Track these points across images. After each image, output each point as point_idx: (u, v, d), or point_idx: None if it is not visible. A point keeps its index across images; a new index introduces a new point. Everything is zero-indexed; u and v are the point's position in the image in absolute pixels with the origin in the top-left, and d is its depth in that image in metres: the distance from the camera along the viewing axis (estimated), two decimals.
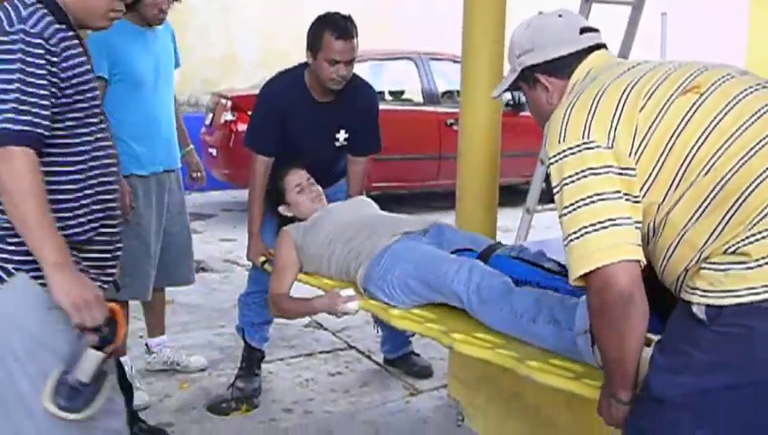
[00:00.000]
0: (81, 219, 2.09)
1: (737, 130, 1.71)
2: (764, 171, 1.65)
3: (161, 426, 3.55)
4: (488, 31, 3.59)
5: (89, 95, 2.10)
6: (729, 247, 1.65)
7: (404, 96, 8.70)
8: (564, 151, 1.82)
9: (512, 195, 7.40)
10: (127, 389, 3.47)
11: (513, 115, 8.28)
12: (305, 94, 3.65)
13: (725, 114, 1.74)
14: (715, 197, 1.69)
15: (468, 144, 3.70)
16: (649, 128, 1.78)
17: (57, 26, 2.02)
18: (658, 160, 1.77)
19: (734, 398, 1.67)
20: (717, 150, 1.71)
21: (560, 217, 1.84)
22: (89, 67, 2.13)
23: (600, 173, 1.77)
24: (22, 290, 2.02)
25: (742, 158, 1.68)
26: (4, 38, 1.93)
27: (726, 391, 1.67)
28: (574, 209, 1.78)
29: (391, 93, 8.69)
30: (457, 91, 9.06)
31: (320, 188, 3.59)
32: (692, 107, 1.77)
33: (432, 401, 3.87)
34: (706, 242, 1.69)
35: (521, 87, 2.19)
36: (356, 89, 3.70)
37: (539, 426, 3.17)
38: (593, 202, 1.76)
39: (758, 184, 1.65)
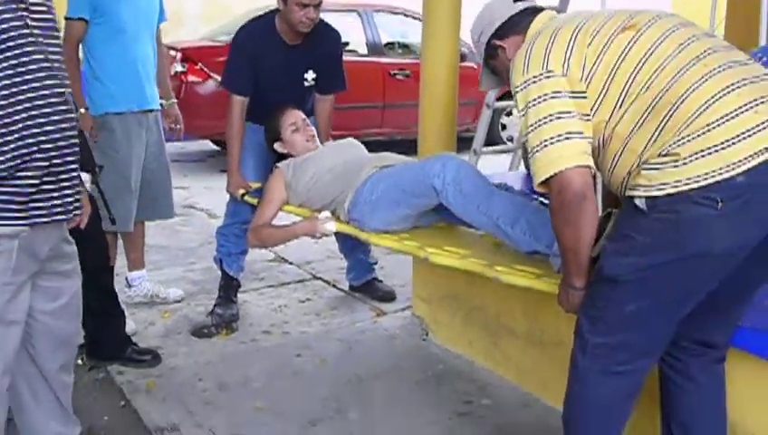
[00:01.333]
0: (6, 149, 2.23)
1: (669, 57, 2.09)
2: (690, 87, 2.03)
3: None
4: None
5: None
6: (663, 150, 2.03)
7: (349, 47, 8.98)
8: (527, 80, 2.22)
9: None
10: (120, 315, 3.79)
11: None
12: (276, 38, 3.94)
13: (658, 45, 2.12)
14: (651, 110, 2.07)
15: (430, 92, 3.96)
16: (596, 59, 2.16)
17: None
18: (604, 85, 2.15)
19: (669, 271, 2.07)
20: (653, 73, 2.09)
21: (526, 134, 2.24)
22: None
23: (556, 97, 2.17)
24: None
25: (673, 77, 2.06)
26: None
27: (662, 266, 2.07)
28: (537, 127, 2.18)
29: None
30: (398, 43, 9.42)
31: (314, 129, 3.91)
32: (630, 41, 2.15)
33: (398, 321, 4.24)
34: (645, 147, 2.08)
35: (492, 65, 2.59)
36: (322, 33, 4.02)
37: (499, 334, 3.56)
38: (552, 120, 2.16)
39: (685, 98, 2.02)
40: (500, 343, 3.55)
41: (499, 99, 5.71)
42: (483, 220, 2.93)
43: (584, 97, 2.17)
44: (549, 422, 3.12)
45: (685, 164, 1.99)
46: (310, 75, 4.06)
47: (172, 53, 8.34)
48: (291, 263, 5.24)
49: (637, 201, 2.08)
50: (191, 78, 7.96)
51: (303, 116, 3.91)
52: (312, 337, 4.06)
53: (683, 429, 2.41)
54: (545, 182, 2.18)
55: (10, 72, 2.23)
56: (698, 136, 1.98)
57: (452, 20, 3.86)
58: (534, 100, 2.19)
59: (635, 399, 2.30)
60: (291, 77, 4.02)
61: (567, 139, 2.14)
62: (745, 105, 1.98)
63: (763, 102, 1.98)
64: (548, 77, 2.19)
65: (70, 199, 2.43)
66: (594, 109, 2.17)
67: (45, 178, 2.32)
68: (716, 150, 1.96)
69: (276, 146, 3.88)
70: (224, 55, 4.11)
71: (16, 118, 2.24)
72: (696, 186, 1.97)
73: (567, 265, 2.29)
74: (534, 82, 2.20)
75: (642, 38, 2.15)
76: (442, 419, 3.24)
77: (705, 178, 1.96)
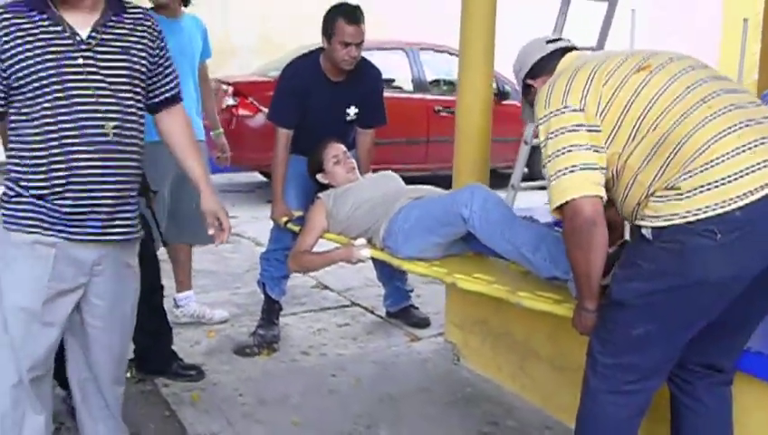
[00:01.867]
0: (42, 170, 2.50)
1: (677, 97, 2.28)
2: (694, 127, 2.21)
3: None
4: (482, 23, 4.09)
5: (33, 78, 2.46)
6: (668, 184, 2.22)
7: (395, 84, 9.25)
8: (549, 114, 2.43)
9: (494, 178, 7.93)
10: (168, 333, 4.03)
11: (496, 104, 8.81)
12: (321, 76, 4.21)
13: (668, 86, 2.31)
14: (659, 147, 2.26)
15: (465, 124, 4.17)
16: (611, 96, 2.36)
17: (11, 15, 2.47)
18: (618, 120, 2.35)
19: (672, 297, 2.24)
20: (662, 112, 2.28)
21: (544, 165, 2.44)
22: (52, 46, 2.48)
23: (574, 130, 2.37)
24: None
25: (679, 118, 2.25)
26: None
27: (665, 293, 2.24)
28: (555, 157, 2.38)
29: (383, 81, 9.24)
30: (443, 80, 9.67)
31: (354, 162, 4.15)
32: (643, 81, 2.35)
33: (431, 346, 4.42)
34: (652, 180, 2.27)
35: (529, 101, 2.80)
36: (363, 70, 4.29)
37: (526, 359, 3.72)
38: (569, 152, 2.36)
39: (689, 137, 2.21)
40: (526, 366, 3.71)
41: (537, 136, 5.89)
42: (507, 247, 3.11)
43: (599, 131, 2.36)
44: None
45: (688, 198, 2.17)
46: (352, 110, 4.31)
47: (224, 87, 8.70)
48: (331, 290, 5.46)
49: (644, 231, 2.26)
50: (241, 111, 8.29)
51: (345, 149, 4.15)
52: (348, 359, 4.25)
53: None
54: (560, 208, 2.38)
55: (56, 101, 2.49)
56: (700, 172, 2.16)
57: (486, 56, 4.08)
58: (553, 132, 2.40)
59: (642, 417, 2.46)
60: (334, 112, 4.27)
61: (581, 170, 2.33)
62: (744, 146, 2.15)
63: (761, 144, 2.16)
64: (566, 111, 2.39)
65: (106, 226, 2.62)
66: (608, 142, 2.36)
67: (80, 202, 2.55)
68: (716, 186, 2.14)
69: (318, 177, 4.12)
70: (273, 90, 4.37)
71: (56, 143, 2.50)
72: (695, 218, 2.14)
73: (579, 289, 2.47)
74: (554, 115, 2.41)
75: (654, 79, 2.34)
76: None
77: (705, 212, 2.13)
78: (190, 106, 4.42)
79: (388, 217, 3.55)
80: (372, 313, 4.99)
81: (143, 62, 2.68)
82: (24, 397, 2.65)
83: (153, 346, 3.94)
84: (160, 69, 2.78)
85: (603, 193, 2.35)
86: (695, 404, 2.54)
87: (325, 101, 4.22)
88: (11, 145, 2.57)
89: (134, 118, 2.65)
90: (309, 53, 4.34)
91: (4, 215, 2.56)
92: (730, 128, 2.19)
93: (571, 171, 2.34)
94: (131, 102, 2.64)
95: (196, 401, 3.71)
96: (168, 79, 2.83)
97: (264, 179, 9.49)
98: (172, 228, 4.39)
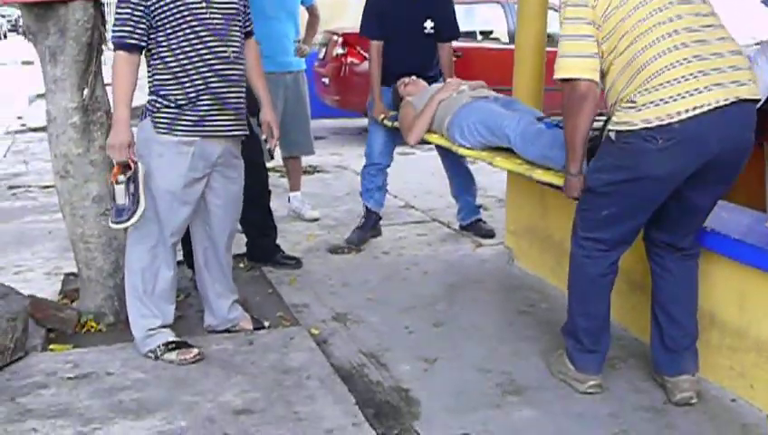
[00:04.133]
0: (184, 87, 3.41)
1: (652, 27, 2.88)
2: (654, 57, 2.86)
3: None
4: None
5: (174, 18, 3.36)
6: (629, 97, 2.92)
7: (492, 36, 9.92)
8: (568, 3, 3.04)
9: None
10: (274, 229, 4.96)
11: None
12: None
13: (654, 15, 2.88)
14: (629, 65, 2.93)
15: (522, 54, 4.97)
16: (616, 6, 2.93)
17: None
18: (612, 29, 2.94)
19: (627, 187, 2.98)
20: (636, 37, 2.90)
21: (560, 41, 3.05)
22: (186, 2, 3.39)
23: (582, 21, 2.98)
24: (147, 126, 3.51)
25: (646, 46, 2.89)
26: None
27: (622, 183, 2.99)
28: (566, 40, 3.02)
29: (482, 33, 9.96)
30: None
31: (417, 79, 5.06)
32: (640, 2, 2.90)
33: (492, 251, 5.24)
34: (621, 90, 2.97)
35: None
36: None
37: (561, 256, 4.47)
38: (577, 40, 2.99)
39: (650, 63, 2.86)
40: (562, 262, 4.46)
41: None
42: (537, 154, 3.86)
43: (600, 27, 2.95)
44: None
45: (639, 110, 2.88)
46: (428, 24, 5.17)
47: (335, 37, 9.57)
48: (416, 209, 6.33)
49: (610, 133, 3.00)
50: (350, 60, 9.18)
51: (406, 79, 5.09)
52: (421, 258, 5.12)
53: (661, 308, 3.27)
54: (563, 80, 3.01)
55: (191, 35, 3.42)
56: (652, 91, 2.86)
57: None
58: (568, 19, 3.01)
59: (613, 276, 3.24)
60: (412, 26, 5.16)
61: (583, 57, 2.96)
62: (690, 75, 2.82)
63: (702, 75, 2.82)
64: (578, 5, 2.98)
65: (231, 124, 3.56)
66: (603, 41, 2.96)
67: (213, 107, 3.47)
68: (662, 103, 2.84)
69: (402, 104, 5.02)
70: None
71: (192, 65, 3.43)
72: (644, 126, 2.86)
73: (567, 155, 3.14)
74: (571, 5, 3.01)
75: (646, 6, 2.89)
76: (507, 314, 4.21)
77: (651, 123, 2.85)
78: (285, 45, 5.41)
79: (453, 111, 4.39)
80: (448, 226, 5.82)
81: (241, 4, 3.62)
82: (161, 256, 3.60)
83: (261, 240, 4.88)
84: (247, 9, 3.69)
85: (596, 77, 2.97)
86: (664, 273, 3.26)
87: (403, 16, 5.11)
88: (154, 70, 3.46)
89: (240, 44, 3.60)
90: None
91: (153, 121, 3.47)
92: (682, 60, 2.84)
93: (576, 56, 2.97)
94: (239, 33, 3.58)
95: (293, 283, 4.64)
96: (249, 18, 3.73)
97: None
98: (283, 144, 5.47)
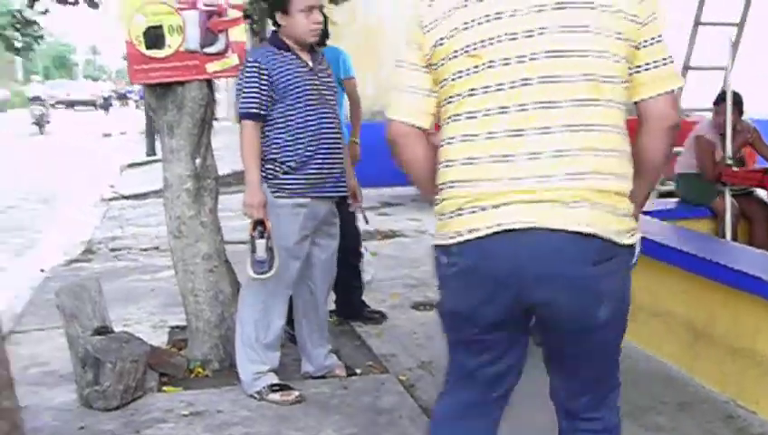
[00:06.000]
0: (298, 151, 3.77)
1: (471, 113, 2.14)
2: (455, 159, 2.19)
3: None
4: None
5: (291, 90, 3.76)
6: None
7: None
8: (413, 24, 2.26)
9: None
10: (360, 287, 5.33)
11: None
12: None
13: (475, 95, 2.12)
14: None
15: None
16: (443, 56, 2.16)
17: (275, 52, 3.81)
18: (442, 81, 2.19)
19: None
20: (453, 114, 2.18)
21: None
22: (297, 72, 3.81)
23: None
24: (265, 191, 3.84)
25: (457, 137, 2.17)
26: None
27: None
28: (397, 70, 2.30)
29: None
30: None
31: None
32: (467, 69, 2.12)
33: None
34: None
35: None
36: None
37: None
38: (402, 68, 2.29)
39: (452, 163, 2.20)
40: None
41: None
42: None
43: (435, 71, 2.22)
44: None
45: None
46: None
47: None
48: None
49: None
50: None
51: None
52: None
53: None
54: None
55: (305, 104, 3.84)
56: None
57: None
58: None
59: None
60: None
61: (406, 92, 2.26)
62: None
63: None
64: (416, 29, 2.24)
65: (336, 185, 3.96)
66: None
67: (322, 170, 3.87)
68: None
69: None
70: None
71: (304, 132, 3.83)
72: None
73: None
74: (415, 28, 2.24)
75: (474, 76, 2.12)
76: None
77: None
78: (342, 115, 5.80)
79: None
80: None
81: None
82: (273, 308, 3.98)
83: (350, 296, 5.25)
84: None
85: (417, 122, 2.26)
86: None
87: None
88: (271, 139, 3.83)
89: (337, 111, 4.05)
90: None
91: (269, 186, 3.83)
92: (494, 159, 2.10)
93: (400, 90, 2.29)
94: (335, 101, 4.04)
95: (380, 335, 4.98)
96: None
97: None
98: None
